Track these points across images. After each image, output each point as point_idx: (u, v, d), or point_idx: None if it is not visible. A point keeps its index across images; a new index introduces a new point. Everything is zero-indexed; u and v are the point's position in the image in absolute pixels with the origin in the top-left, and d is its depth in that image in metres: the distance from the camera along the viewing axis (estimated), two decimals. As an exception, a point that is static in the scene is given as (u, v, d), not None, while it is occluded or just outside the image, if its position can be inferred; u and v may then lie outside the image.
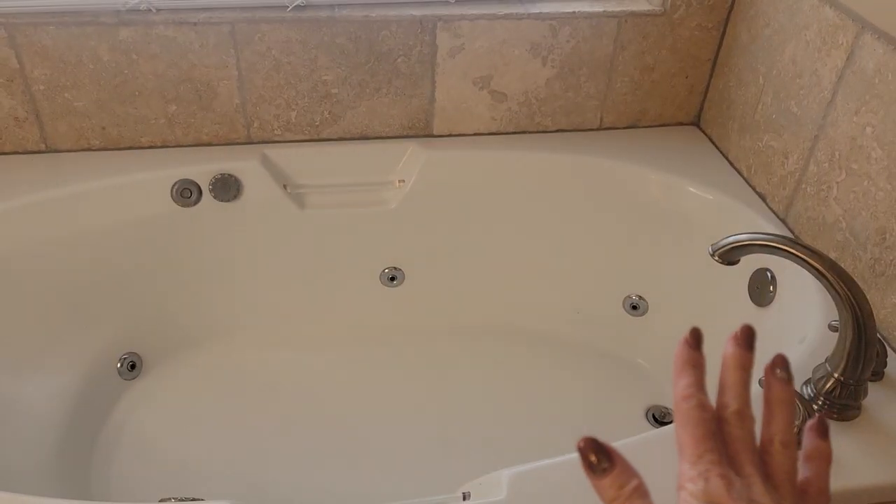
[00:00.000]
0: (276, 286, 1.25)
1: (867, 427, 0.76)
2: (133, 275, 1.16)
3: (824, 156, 0.98)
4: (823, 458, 0.36)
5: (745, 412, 0.35)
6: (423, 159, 1.20)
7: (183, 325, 1.22)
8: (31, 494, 0.89)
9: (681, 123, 1.30)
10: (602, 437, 0.34)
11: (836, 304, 0.72)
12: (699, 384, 0.35)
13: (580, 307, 1.28)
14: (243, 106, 1.15)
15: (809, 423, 0.37)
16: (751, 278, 1.04)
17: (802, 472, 0.36)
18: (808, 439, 0.37)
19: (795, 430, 0.73)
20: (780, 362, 0.36)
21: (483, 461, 1.05)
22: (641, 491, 0.34)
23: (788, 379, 0.36)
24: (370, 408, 1.16)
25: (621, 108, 1.26)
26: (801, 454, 0.36)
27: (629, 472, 0.34)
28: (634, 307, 1.25)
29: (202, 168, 1.13)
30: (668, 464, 0.71)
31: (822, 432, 0.37)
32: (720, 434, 0.34)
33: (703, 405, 0.34)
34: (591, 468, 0.34)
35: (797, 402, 0.72)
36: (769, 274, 1.01)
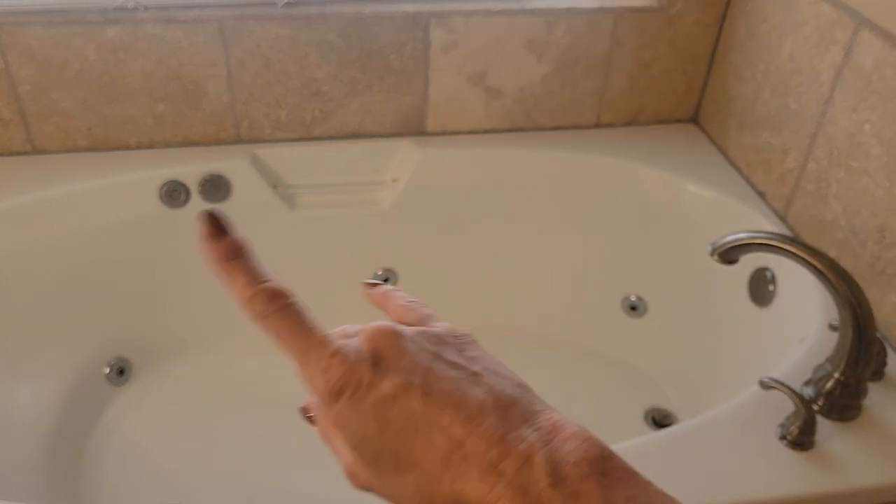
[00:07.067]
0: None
1: (867, 427, 0.76)
2: (121, 278, 1.14)
3: (823, 153, 0.96)
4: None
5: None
6: (417, 158, 1.19)
7: (172, 330, 1.20)
8: (18, 502, 0.88)
9: (679, 121, 1.28)
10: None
11: (836, 304, 0.72)
12: (252, 274, 0.30)
13: (578, 308, 1.26)
14: (232, 105, 1.14)
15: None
16: (750, 278, 1.03)
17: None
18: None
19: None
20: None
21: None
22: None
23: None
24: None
25: (618, 105, 1.24)
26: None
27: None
28: (633, 308, 1.24)
29: (191, 168, 1.12)
30: (669, 467, 0.70)
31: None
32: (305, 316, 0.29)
33: (271, 294, 0.29)
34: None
35: (795, 397, 0.71)
36: (769, 273, 1.00)
